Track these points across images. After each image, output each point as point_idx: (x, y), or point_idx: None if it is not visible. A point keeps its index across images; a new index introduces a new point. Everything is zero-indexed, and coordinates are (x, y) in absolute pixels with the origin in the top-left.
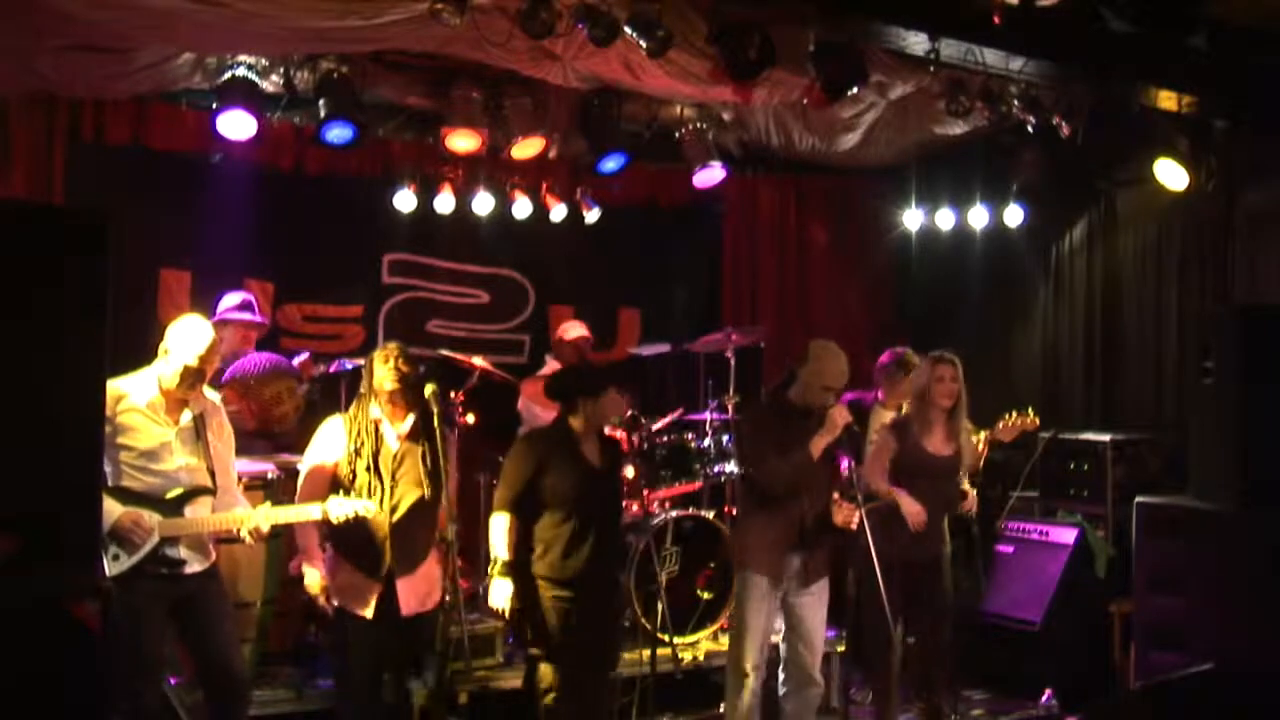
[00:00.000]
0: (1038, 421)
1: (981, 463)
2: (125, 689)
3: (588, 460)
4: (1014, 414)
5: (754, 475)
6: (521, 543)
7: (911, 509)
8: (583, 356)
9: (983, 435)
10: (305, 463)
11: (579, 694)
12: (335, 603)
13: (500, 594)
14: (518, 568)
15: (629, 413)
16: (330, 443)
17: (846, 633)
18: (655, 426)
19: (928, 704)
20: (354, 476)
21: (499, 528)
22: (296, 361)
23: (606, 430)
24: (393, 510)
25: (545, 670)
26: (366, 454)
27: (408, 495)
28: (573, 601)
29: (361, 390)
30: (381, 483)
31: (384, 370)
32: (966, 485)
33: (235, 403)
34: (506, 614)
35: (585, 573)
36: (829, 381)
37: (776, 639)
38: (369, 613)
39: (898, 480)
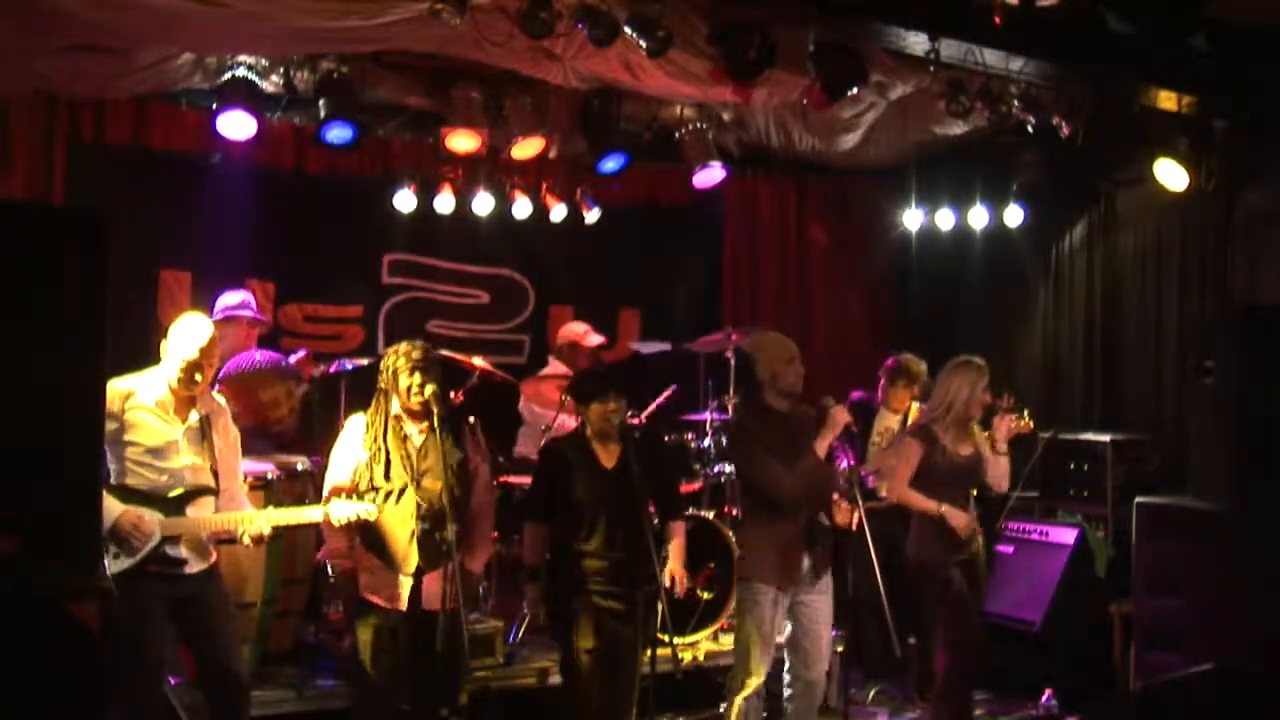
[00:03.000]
0: (1032, 424)
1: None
2: (125, 689)
3: (600, 463)
4: (1009, 416)
5: (760, 488)
6: (554, 547)
7: (960, 520)
8: (599, 359)
9: (983, 436)
10: (333, 463)
11: (610, 688)
12: (363, 593)
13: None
14: (549, 572)
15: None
16: (355, 442)
17: (846, 633)
18: (645, 412)
19: (938, 705)
20: (373, 478)
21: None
22: (294, 359)
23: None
24: (419, 506)
25: (584, 671)
26: (384, 457)
27: (432, 489)
28: (596, 596)
29: (380, 386)
30: (402, 483)
31: (408, 382)
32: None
33: (232, 401)
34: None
35: (605, 571)
36: (786, 354)
37: (780, 639)
38: (403, 605)
39: (923, 487)
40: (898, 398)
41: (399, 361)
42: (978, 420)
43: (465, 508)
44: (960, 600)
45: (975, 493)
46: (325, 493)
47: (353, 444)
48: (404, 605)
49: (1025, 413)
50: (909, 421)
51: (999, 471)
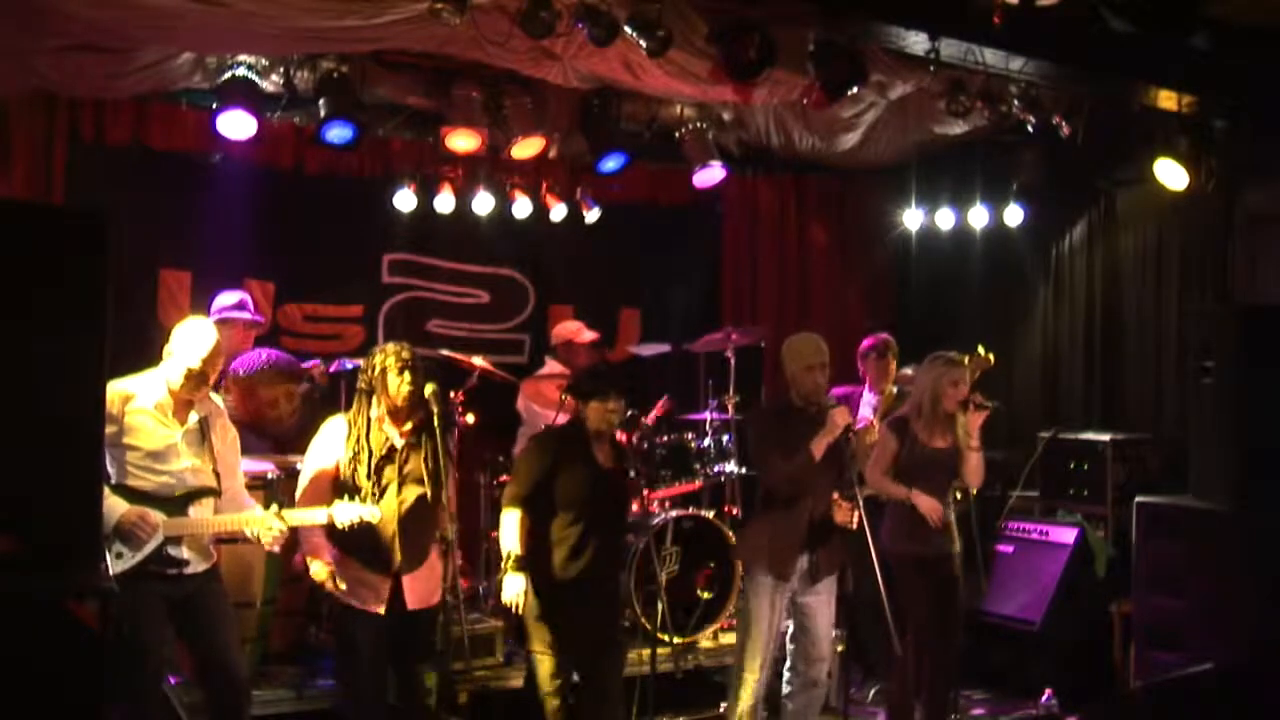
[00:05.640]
0: (991, 359)
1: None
2: (126, 688)
3: (598, 461)
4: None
5: (759, 476)
6: (531, 540)
7: (929, 506)
8: (602, 357)
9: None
10: (308, 464)
11: (587, 692)
12: (343, 597)
13: (513, 588)
14: (528, 563)
15: (628, 413)
16: (333, 444)
17: (846, 633)
18: (647, 419)
19: (931, 701)
20: (354, 479)
21: (510, 524)
22: (306, 365)
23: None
24: (399, 509)
25: (545, 669)
26: (366, 458)
27: (411, 494)
28: (575, 601)
29: (361, 387)
30: (384, 484)
31: (397, 381)
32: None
33: (233, 396)
34: (519, 608)
35: (589, 573)
36: (807, 360)
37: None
38: (381, 609)
39: (899, 478)
40: (885, 375)
41: (388, 361)
42: (952, 413)
43: (438, 508)
44: (918, 595)
45: (974, 492)
46: (299, 492)
47: (331, 445)
48: (384, 607)
49: (982, 398)
50: (884, 406)
51: (970, 467)
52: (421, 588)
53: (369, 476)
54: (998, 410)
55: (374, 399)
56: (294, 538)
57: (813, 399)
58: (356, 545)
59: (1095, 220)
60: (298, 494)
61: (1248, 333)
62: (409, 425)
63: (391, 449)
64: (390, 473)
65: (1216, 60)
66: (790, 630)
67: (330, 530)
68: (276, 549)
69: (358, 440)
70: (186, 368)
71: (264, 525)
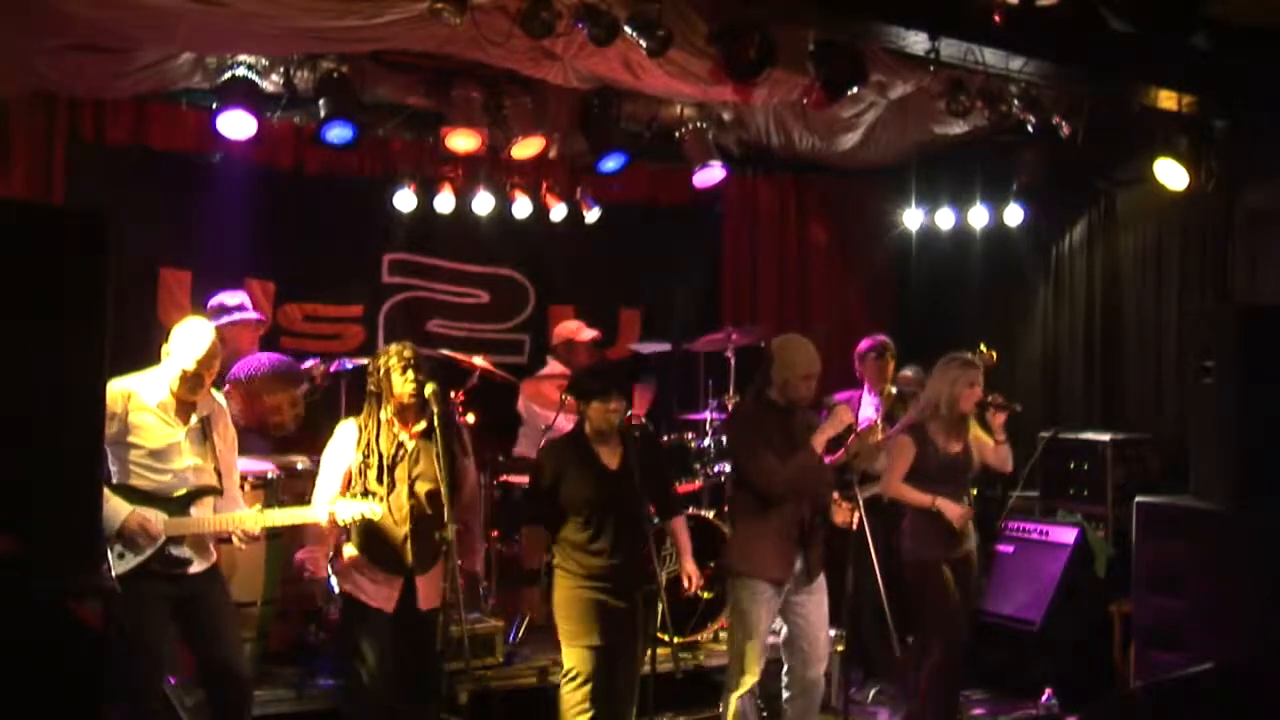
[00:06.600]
0: (994, 356)
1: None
2: (126, 689)
3: (603, 463)
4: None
5: (752, 480)
6: (555, 547)
7: (956, 513)
8: (602, 356)
9: (978, 434)
10: (323, 469)
11: (605, 685)
12: (353, 592)
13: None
14: (549, 572)
15: (628, 413)
16: (345, 448)
17: (846, 633)
18: (633, 412)
19: (943, 702)
20: (366, 483)
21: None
22: (305, 366)
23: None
24: (411, 509)
25: (571, 656)
26: (376, 460)
27: (424, 493)
28: (598, 594)
29: (370, 389)
30: (395, 485)
31: (401, 380)
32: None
33: (235, 402)
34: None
35: (608, 571)
36: (805, 370)
37: (775, 639)
38: (391, 607)
39: (915, 484)
40: (883, 375)
41: (391, 361)
42: (969, 415)
43: (456, 508)
44: (950, 599)
45: (975, 491)
46: (316, 498)
47: (344, 449)
48: (394, 606)
49: (1004, 399)
50: (885, 406)
51: (1001, 457)
52: (433, 588)
53: (380, 479)
54: (1017, 412)
55: (382, 401)
56: (292, 539)
57: (800, 403)
58: (372, 546)
59: (1095, 220)
60: (314, 498)
61: (1248, 333)
62: (420, 425)
63: (401, 449)
64: (401, 473)
65: (1216, 60)
66: (785, 632)
67: (348, 529)
68: (238, 542)
69: (368, 444)
70: (181, 369)
71: (253, 525)
